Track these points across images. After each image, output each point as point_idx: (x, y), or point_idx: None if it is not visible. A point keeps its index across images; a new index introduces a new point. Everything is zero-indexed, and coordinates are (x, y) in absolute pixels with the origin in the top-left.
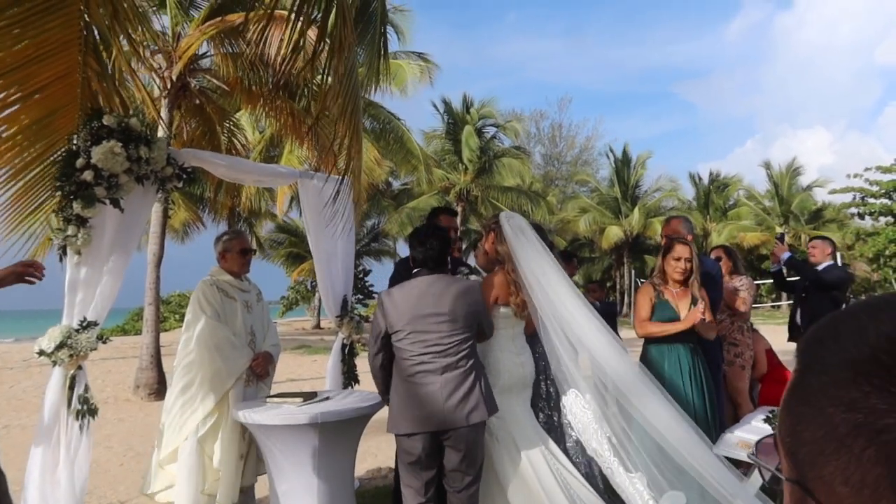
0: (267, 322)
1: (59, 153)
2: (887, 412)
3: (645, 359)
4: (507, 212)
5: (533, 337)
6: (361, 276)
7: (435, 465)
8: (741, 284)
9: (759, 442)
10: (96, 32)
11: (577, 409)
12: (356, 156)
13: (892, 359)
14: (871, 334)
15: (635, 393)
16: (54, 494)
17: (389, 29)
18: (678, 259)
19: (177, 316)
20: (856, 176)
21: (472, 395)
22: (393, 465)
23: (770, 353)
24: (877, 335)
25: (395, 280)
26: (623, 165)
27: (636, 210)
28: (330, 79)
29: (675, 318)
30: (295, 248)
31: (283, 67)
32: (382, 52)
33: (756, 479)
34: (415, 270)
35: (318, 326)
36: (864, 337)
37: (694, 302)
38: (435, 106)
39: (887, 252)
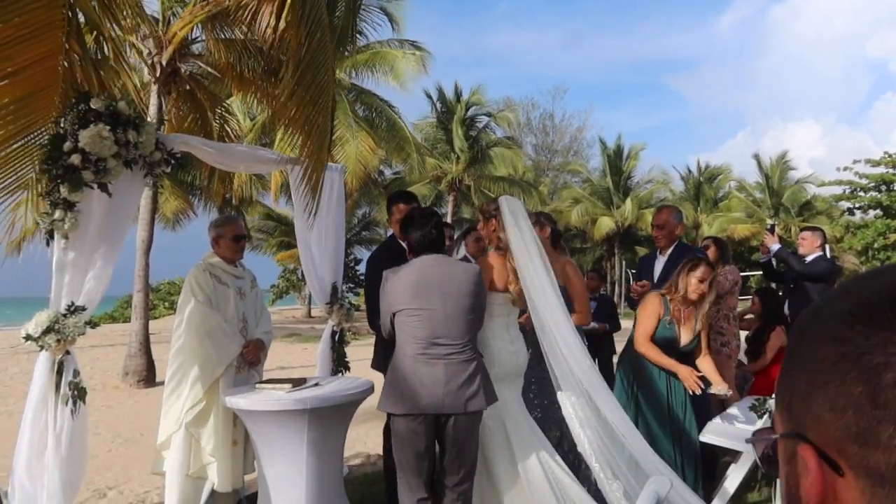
0: (260, 309)
1: (37, 134)
2: (866, 338)
3: (633, 350)
4: (506, 196)
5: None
6: (352, 264)
7: (432, 457)
8: (723, 272)
9: (756, 431)
10: (81, 16)
11: (568, 408)
12: (320, 144)
13: (873, 300)
14: (857, 289)
15: (602, 398)
16: (42, 479)
17: (384, 18)
18: (702, 280)
19: (166, 303)
20: (845, 169)
21: (474, 381)
22: (382, 452)
23: (784, 350)
24: (861, 289)
25: (374, 269)
26: (616, 157)
27: (628, 201)
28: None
29: (672, 340)
30: (285, 236)
31: (272, 51)
32: (353, 39)
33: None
34: (418, 258)
35: (309, 315)
36: (849, 294)
37: (696, 337)
38: (428, 95)
39: (876, 245)
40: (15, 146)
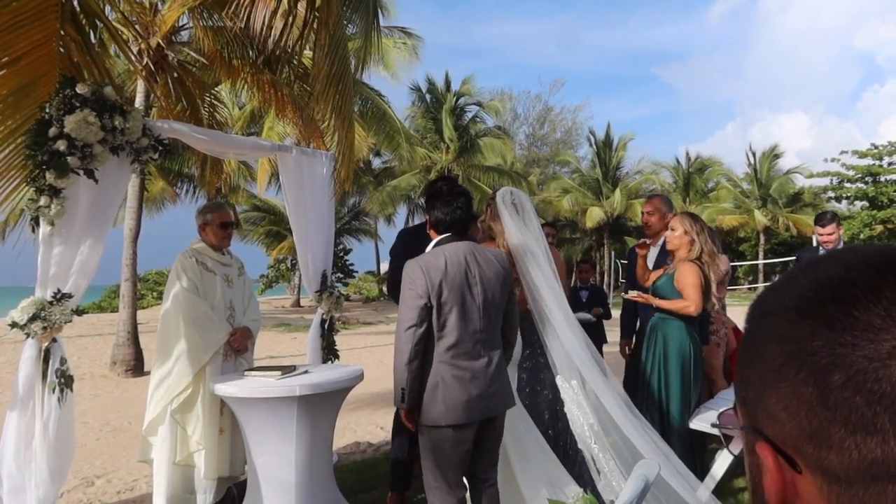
0: (248, 297)
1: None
2: (812, 337)
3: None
4: (506, 187)
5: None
6: (342, 254)
7: (468, 457)
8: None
9: (721, 413)
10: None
11: (564, 394)
12: (347, 131)
13: (816, 295)
14: (801, 283)
15: (599, 387)
16: (30, 467)
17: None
18: (672, 229)
19: (154, 293)
20: (833, 160)
21: (506, 379)
22: (372, 441)
23: (736, 330)
24: (804, 283)
25: (402, 253)
26: (605, 147)
27: (617, 191)
28: (315, 53)
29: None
30: (274, 226)
31: (273, 44)
32: (375, 25)
33: (711, 480)
34: (441, 237)
35: (297, 304)
36: (793, 287)
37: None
38: (417, 86)
39: (862, 236)
40: (19, 140)
